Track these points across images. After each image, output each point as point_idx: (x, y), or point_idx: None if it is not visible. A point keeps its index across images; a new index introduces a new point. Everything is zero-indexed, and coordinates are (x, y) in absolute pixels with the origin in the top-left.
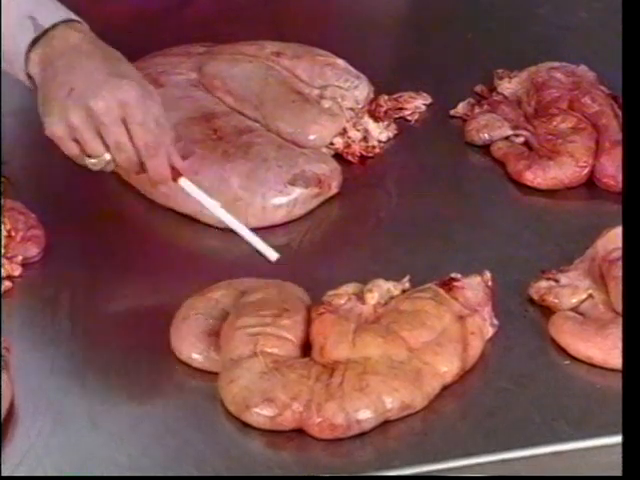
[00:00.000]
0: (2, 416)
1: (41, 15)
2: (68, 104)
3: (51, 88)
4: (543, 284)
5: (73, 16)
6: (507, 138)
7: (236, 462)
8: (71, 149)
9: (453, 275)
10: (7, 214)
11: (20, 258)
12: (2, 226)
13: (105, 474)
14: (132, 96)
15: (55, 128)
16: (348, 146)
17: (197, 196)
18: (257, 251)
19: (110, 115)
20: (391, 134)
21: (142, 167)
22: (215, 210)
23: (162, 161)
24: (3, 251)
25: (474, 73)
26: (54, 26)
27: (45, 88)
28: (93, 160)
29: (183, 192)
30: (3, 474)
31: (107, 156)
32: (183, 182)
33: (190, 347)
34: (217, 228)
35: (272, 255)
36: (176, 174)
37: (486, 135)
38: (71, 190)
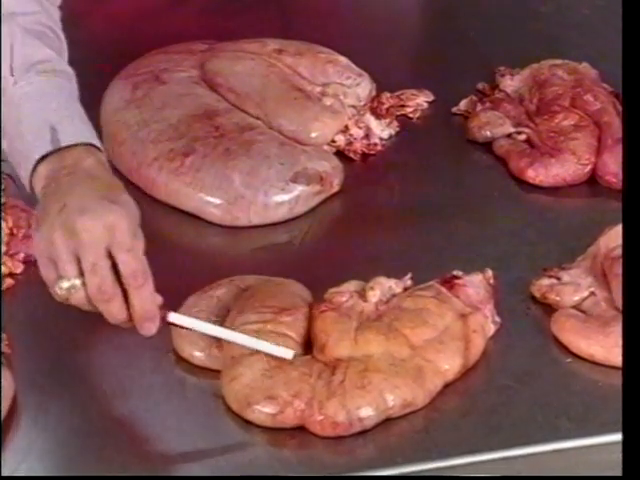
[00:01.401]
0: (3, 414)
1: (63, 130)
2: (56, 221)
3: (48, 203)
4: (545, 282)
5: (95, 141)
6: (509, 135)
7: (238, 459)
8: (46, 270)
9: (455, 273)
10: (9, 212)
11: (22, 255)
12: (3, 223)
13: (107, 472)
14: (122, 223)
15: (38, 243)
16: (350, 143)
17: (192, 325)
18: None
19: (92, 236)
20: (393, 131)
21: (113, 303)
22: (217, 333)
23: (150, 292)
24: (5, 248)
25: (476, 70)
26: (72, 146)
27: (43, 203)
28: (63, 284)
29: (176, 327)
30: (4, 472)
31: (77, 281)
32: (173, 317)
33: (192, 345)
34: (219, 225)
35: (287, 354)
36: (161, 311)
37: (488, 132)
38: None
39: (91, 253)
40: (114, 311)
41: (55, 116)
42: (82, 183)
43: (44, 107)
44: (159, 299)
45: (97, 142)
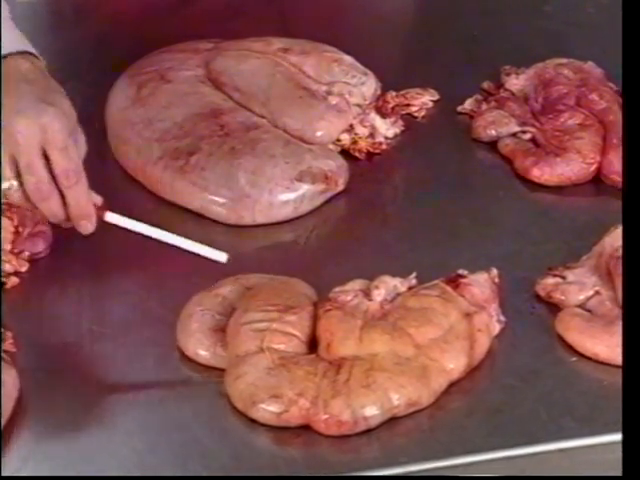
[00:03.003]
0: (8, 413)
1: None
2: None
3: None
4: (550, 281)
5: (30, 49)
6: (514, 135)
7: (242, 458)
8: None
9: (460, 272)
10: (15, 211)
11: (27, 254)
12: (4, 221)
13: (111, 470)
14: (55, 123)
15: None
16: (355, 142)
17: (129, 225)
18: (206, 258)
19: (27, 136)
20: (398, 130)
21: (51, 201)
22: (151, 232)
23: (83, 191)
24: (10, 247)
25: (481, 69)
26: (8, 55)
27: None
28: (2, 184)
29: (114, 225)
30: (8, 471)
31: (14, 182)
32: (110, 216)
33: (196, 343)
34: (224, 224)
35: (221, 257)
36: (99, 211)
37: (493, 131)
38: None
39: (26, 153)
40: (53, 209)
41: None
42: (19, 87)
43: None
44: (98, 199)
45: (32, 50)
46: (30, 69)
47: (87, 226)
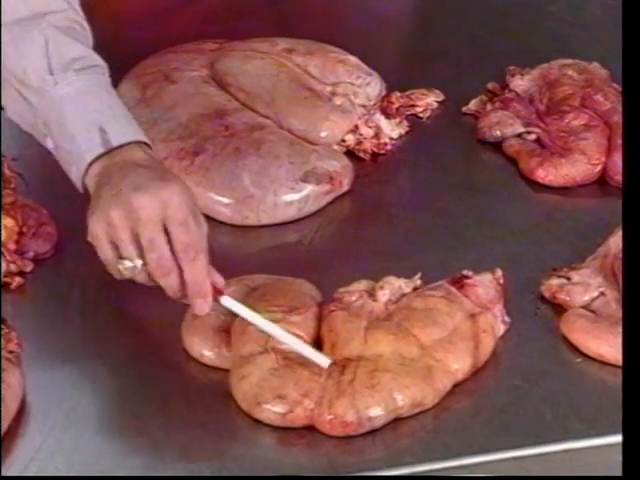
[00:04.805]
0: (13, 413)
1: (112, 130)
2: (111, 203)
3: (101, 192)
4: (555, 282)
5: (142, 137)
6: (519, 135)
7: (247, 459)
8: (105, 251)
9: (465, 272)
10: (19, 210)
11: (32, 254)
12: (4, 220)
13: (115, 470)
14: (175, 198)
15: (95, 226)
16: (360, 143)
17: (244, 314)
18: (309, 359)
19: (148, 212)
20: (403, 131)
21: (171, 277)
22: (265, 326)
23: (201, 268)
24: (14, 247)
25: (486, 70)
26: (125, 144)
27: (96, 193)
28: (125, 264)
29: (229, 310)
30: (13, 470)
31: (139, 262)
32: (225, 300)
33: (201, 344)
34: (229, 225)
35: (324, 362)
36: (216, 292)
37: (498, 132)
38: None
39: (148, 229)
40: (173, 285)
41: (101, 116)
42: (134, 171)
43: (88, 108)
44: (220, 280)
45: (144, 138)
46: (143, 157)
47: (202, 305)
